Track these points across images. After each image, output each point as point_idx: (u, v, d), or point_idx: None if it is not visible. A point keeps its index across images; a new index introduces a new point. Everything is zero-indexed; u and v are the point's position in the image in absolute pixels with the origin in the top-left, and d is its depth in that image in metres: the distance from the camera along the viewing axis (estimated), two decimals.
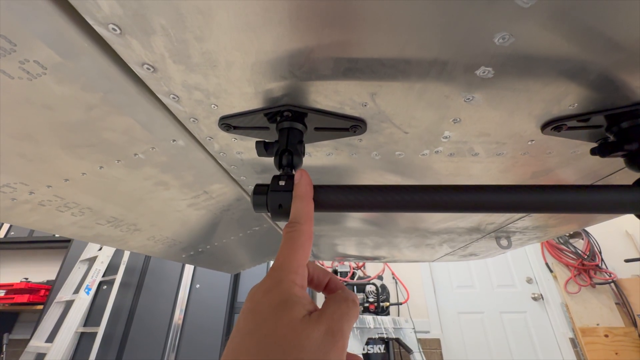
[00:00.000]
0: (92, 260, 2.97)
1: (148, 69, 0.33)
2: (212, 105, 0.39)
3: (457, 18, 0.26)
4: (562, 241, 3.62)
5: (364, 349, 2.63)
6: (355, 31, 0.27)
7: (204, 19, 0.27)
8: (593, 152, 0.41)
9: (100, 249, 3.03)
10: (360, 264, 3.64)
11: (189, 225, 0.87)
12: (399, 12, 0.25)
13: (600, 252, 3.52)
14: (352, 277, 3.46)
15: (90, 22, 0.28)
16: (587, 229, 3.66)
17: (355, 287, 3.15)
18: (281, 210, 0.36)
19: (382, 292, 3.18)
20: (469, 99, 0.36)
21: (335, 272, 3.44)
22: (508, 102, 0.36)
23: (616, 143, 0.39)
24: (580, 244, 3.62)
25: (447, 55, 0.30)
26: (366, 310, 2.99)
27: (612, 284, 3.40)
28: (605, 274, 3.42)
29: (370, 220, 0.93)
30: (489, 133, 0.43)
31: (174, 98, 0.38)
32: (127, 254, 3.07)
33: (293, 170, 0.40)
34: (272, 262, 2.69)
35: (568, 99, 0.36)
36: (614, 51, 0.29)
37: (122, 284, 3.02)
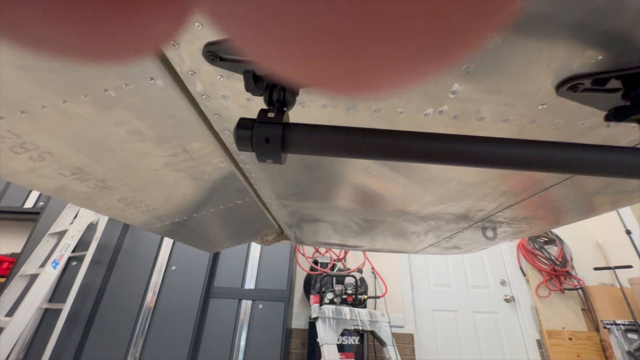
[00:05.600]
0: (61, 234, 2.82)
1: None
2: (197, 24, 0.34)
3: None
4: (537, 246, 3.74)
5: (339, 340, 2.62)
6: None
7: None
8: (608, 117, 0.38)
9: (71, 223, 2.88)
10: (342, 256, 3.63)
11: (166, 188, 0.80)
12: None
13: (571, 259, 3.65)
14: (332, 268, 3.45)
15: None
16: (562, 237, 3.79)
17: (334, 279, 3.14)
18: (268, 146, 0.31)
19: (361, 285, 3.19)
20: (487, 38, 0.32)
21: (316, 262, 3.42)
22: (529, 47, 0.33)
23: (633, 107, 0.36)
24: (554, 250, 3.75)
25: None
26: (344, 302, 2.99)
27: (580, 291, 3.54)
28: (575, 281, 3.56)
29: (359, 199, 0.89)
30: (500, 90, 0.39)
31: None
32: (100, 229, 2.94)
33: (285, 109, 0.35)
34: (253, 245, 2.64)
35: (593, 50, 0.33)
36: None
37: (93, 261, 2.89)
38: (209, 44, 0.36)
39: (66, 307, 2.60)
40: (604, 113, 0.41)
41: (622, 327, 2.98)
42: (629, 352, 2.87)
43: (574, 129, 0.46)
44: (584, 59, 0.34)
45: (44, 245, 2.80)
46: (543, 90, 0.39)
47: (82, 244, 2.92)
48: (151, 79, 0.45)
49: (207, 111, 0.51)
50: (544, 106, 0.42)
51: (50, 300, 2.82)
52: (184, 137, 0.61)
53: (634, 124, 0.37)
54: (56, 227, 2.88)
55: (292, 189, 0.84)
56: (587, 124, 0.45)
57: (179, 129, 0.58)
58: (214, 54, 0.37)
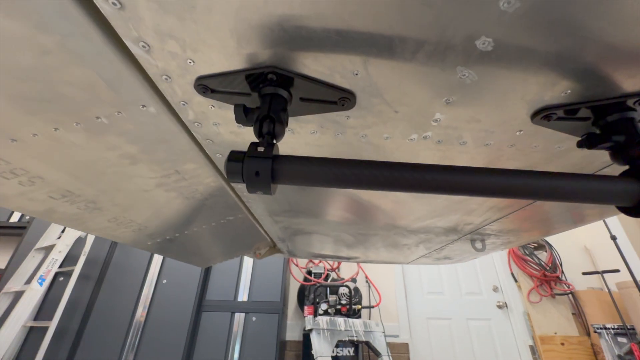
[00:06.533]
0: (49, 249, 2.75)
1: (114, 4, 0.29)
2: (189, 61, 0.35)
3: None
4: (527, 252, 3.79)
5: (333, 351, 2.60)
6: None
7: None
8: (580, 144, 0.41)
9: (59, 237, 2.82)
10: (335, 265, 3.62)
11: (157, 208, 0.80)
12: None
13: (561, 265, 3.71)
14: (326, 278, 3.43)
15: None
16: (551, 242, 3.86)
17: (328, 289, 3.13)
18: (258, 179, 0.32)
19: (355, 295, 3.18)
20: (464, 75, 0.34)
21: (310, 272, 3.40)
22: (503, 82, 0.35)
23: (602, 135, 0.39)
24: (544, 256, 3.81)
25: (447, 20, 0.28)
26: (338, 312, 2.97)
27: (570, 295, 3.59)
28: (565, 286, 3.61)
29: (350, 215, 0.91)
30: (480, 119, 0.42)
31: (144, 47, 0.34)
32: (89, 243, 2.88)
33: (274, 140, 0.36)
34: (245, 257, 2.62)
35: (562, 84, 0.35)
36: (605, 44, 0.29)
37: (81, 276, 2.81)
38: (200, 78, 0.37)
39: (52, 325, 2.52)
40: (578, 138, 0.43)
41: (611, 331, 3.03)
42: (619, 356, 2.91)
43: (550, 152, 0.49)
44: (554, 92, 0.36)
45: (30, 261, 2.73)
46: (519, 119, 0.41)
47: (69, 259, 2.85)
48: (143, 106, 0.46)
49: (199, 137, 0.52)
50: (522, 132, 0.44)
51: (36, 318, 2.73)
52: (176, 160, 0.62)
53: (603, 151, 0.39)
54: (43, 242, 2.81)
55: (284, 207, 0.85)
56: (562, 147, 0.48)
57: (171, 152, 0.59)
58: (205, 87, 0.38)
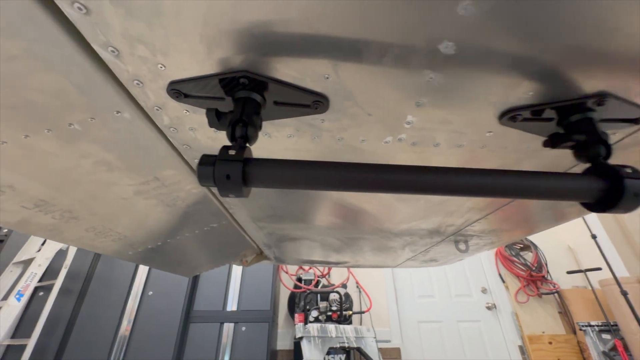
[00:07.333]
0: (27, 263, 2.65)
1: (80, 8, 0.29)
2: (160, 66, 0.35)
3: None
4: (513, 253, 3.86)
5: (324, 359, 2.57)
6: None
7: None
8: (545, 143, 0.42)
9: (39, 250, 2.72)
10: (325, 272, 3.61)
11: (137, 216, 0.79)
12: None
13: (546, 264, 3.79)
14: (317, 285, 3.41)
15: None
16: (536, 242, 3.95)
17: (319, 296, 3.10)
18: (229, 182, 0.32)
19: (346, 301, 3.16)
20: (431, 79, 0.35)
21: (300, 279, 3.38)
22: (469, 84, 0.36)
23: (565, 135, 0.40)
24: (529, 256, 3.89)
25: (410, 26, 0.29)
26: (329, 319, 2.95)
27: (556, 294, 3.67)
28: (550, 285, 3.69)
29: (335, 219, 0.91)
30: (451, 120, 0.43)
31: (113, 52, 0.33)
32: (70, 255, 2.78)
33: (247, 144, 0.36)
34: (234, 266, 2.57)
35: (524, 85, 0.37)
36: (562, 47, 0.31)
37: (63, 290, 2.71)
38: (172, 83, 0.37)
39: (31, 343, 2.41)
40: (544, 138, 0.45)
41: (596, 328, 3.10)
42: (604, 353, 2.98)
43: (521, 152, 0.51)
44: (518, 94, 0.38)
45: (8, 276, 2.62)
46: (487, 120, 0.43)
47: (50, 272, 2.74)
48: (117, 112, 0.46)
49: (176, 143, 0.51)
50: (491, 133, 0.46)
51: (14, 336, 2.61)
52: (155, 166, 0.61)
53: (567, 150, 0.41)
54: (22, 256, 2.71)
55: (267, 212, 0.84)
56: (531, 147, 0.49)
57: (148, 159, 0.58)
58: (178, 91, 0.38)
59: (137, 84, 0.38)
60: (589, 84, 0.37)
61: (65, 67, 0.37)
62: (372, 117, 0.42)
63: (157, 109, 0.43)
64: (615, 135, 0.46)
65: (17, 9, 0.30)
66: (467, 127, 0.44)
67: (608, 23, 0.29)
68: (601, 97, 0.37)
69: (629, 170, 0.35)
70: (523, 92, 0.37)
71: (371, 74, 0.35)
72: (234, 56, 0.34)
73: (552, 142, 0.41)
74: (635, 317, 2.50)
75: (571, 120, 0.40)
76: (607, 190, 0.35)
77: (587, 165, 0.39)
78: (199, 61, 0.34)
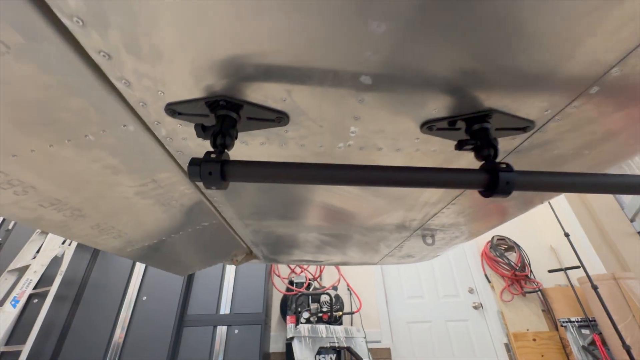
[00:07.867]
0: (22, 270, 2.70)
1: (104, 56, 0.41)
2: (159, 92, 0.47)
3: (337, 37, 0.38)
4: (498, 254, 4.01)
5: (315, 358, 2.65)
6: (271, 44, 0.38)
7: (151, 19, 0.36)
8: (455, 147, 0.55)
9: (34, 257, 2.77)
10: (317, 274, 3.70)
11: (136, 214, 0.90)
12: (295, 29, 0.37)
13: (529, 264, 3.95)
14: (308, 287, 3.50)
15: (58, 14, 0.36)
16: (519, 243, 4.11)
17: (310, 298, 3.20)
18: (211, 177, 0.44)
19: (336, 302, 3.26)
20: (361, 100, 0.48)
21: (292, 282, 3.47)
22: (390, 104, 0.49)
23: (468, 140, 0.53)
24: (513, 256, 4.04)
25: (337, 65, 0.42)
26: (320, 320, 3.04)
27: (539, 293, 3.81)
28: (534, 284, 3.84)
29: (313, 215, 1.03)
30: (384, 130, 0.56)
31: (125, 83, 0.46)
32: (65, 263, 2.84)
33: (225, 150, 0.49)
34: (227, 269, 2.65)
35: (430, 104, 0.50)
36: (460, 70, 0.44)
37: (57, 297, 2.76)
38: (169, 104, 0.50)
39: (26, 349, 2.46)
40: None
41: (576, 323, 3.24)
42: (583, 347, 3.11)
43: (447, 154, 0.64)
44: (429, 109, 0.51)
45: (3, 283, 2.67)
46: (412, 130, 0.56)
47: (45, 279, 2.80)
48: (124, 125, 0.58)
49: (171, 149, 0.63)
50: (419, 139, 0.59)
51: (8, 342, 2.65)
52: (153, 169, 0.73)
53: (469, 151, 0.54)
54: (17, 263, 2.76)
55: (251, 209, 0.96)
56: (454, 150, 0.62)
57: (147, 163, 0.70)
58: (173, 110, 0.50)
59: (142, 105, 0.50)
60: (486, 100, 0.50)
61: (87, 92, 0.49)
62: (323, 128, 0.55)
63: (156, 123, 0.55)
64: (514, 140, 0.60)
65: (58, 53, 0.42)
66: (399, 135, 0.57)
67: (487, 55, 0.42)
68: (489, 113, 0.51)
69: (503, 166, 0.48)
70: (433, 108, 0.50)
71: (316, 96, 0.48)
72: (215, 84, 0.46)
73: (459, 145, 0.54)
74: (606, 310, 2.64)
75: (473, 129, 0.53)
76: (490, 180, 0.48)
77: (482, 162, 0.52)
78: (189, 89, 0.47)
